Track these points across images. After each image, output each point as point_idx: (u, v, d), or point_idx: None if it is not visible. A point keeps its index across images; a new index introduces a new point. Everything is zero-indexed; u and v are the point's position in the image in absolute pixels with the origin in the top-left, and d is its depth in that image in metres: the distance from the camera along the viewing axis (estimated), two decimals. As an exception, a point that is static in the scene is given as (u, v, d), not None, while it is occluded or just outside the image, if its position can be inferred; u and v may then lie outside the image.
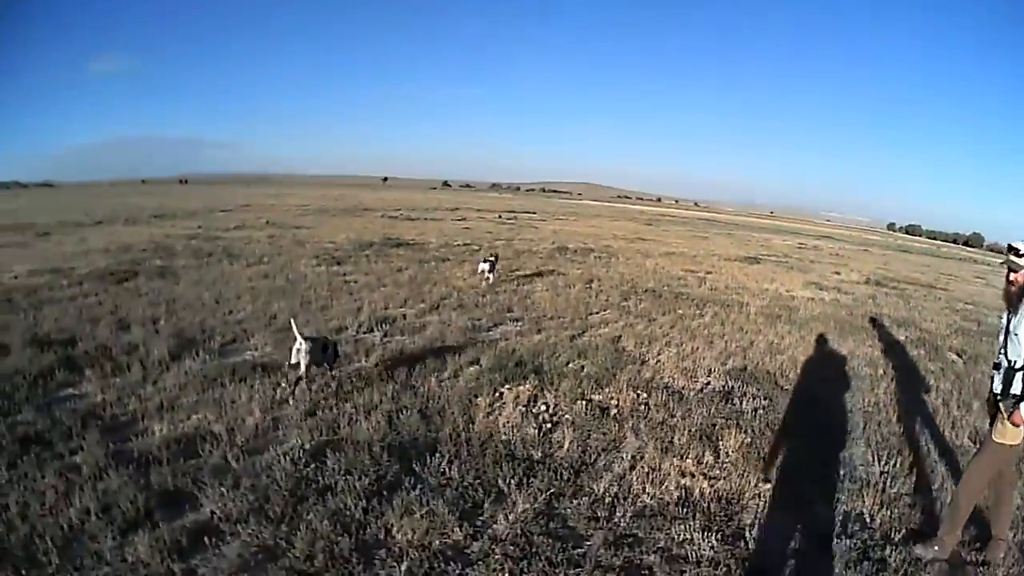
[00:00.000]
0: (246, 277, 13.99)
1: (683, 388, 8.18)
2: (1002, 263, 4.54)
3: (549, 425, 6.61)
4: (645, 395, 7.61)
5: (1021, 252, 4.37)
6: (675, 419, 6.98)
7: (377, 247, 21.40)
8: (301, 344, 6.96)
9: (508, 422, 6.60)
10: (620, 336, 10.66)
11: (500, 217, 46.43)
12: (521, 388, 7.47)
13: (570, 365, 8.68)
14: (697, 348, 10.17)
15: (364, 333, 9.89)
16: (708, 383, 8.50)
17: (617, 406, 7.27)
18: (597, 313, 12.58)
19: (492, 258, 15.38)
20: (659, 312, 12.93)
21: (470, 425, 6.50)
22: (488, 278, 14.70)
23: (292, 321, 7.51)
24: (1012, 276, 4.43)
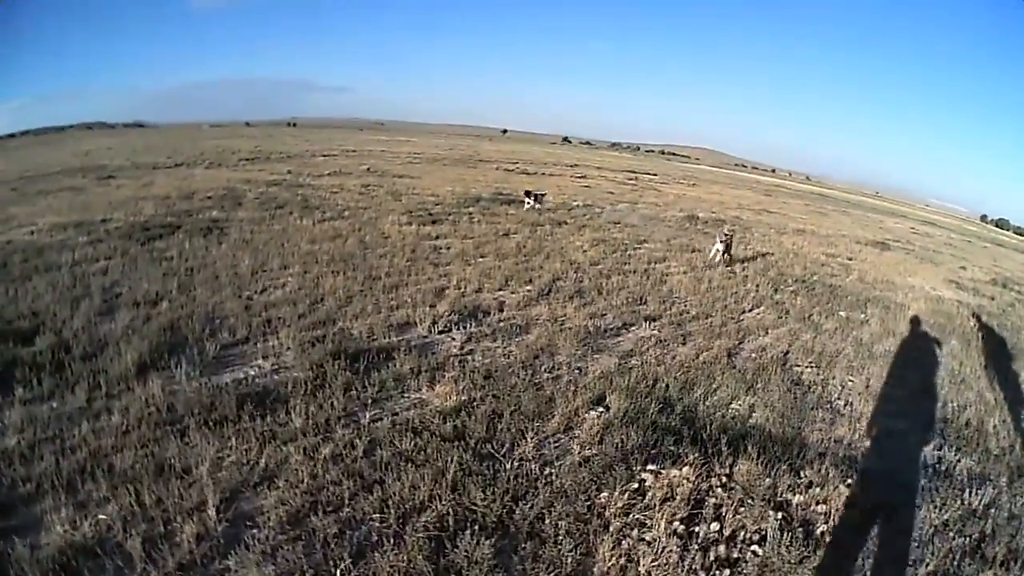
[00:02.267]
0: (310, 237, 11.37)
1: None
2: None
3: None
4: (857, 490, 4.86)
5: None
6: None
7: (485, 204, 18.32)
8: None
9: (658, 565, 3.71)
10: (788, 352, 8.11)
11: (621, 176, 42.91)
12: (675, 473, 4.60)
13: (734, 407, 6.17)
14: (889, 383, 7.57)
15: (439, 333, 7.24)
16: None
17: (827, 521, 4.41)
18: (750, 311, 9.91)
19: (728, 236, 13.52)
20: (820, 313, 10.27)
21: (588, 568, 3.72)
22: (724, 258, 13.07)
23: None
24: None
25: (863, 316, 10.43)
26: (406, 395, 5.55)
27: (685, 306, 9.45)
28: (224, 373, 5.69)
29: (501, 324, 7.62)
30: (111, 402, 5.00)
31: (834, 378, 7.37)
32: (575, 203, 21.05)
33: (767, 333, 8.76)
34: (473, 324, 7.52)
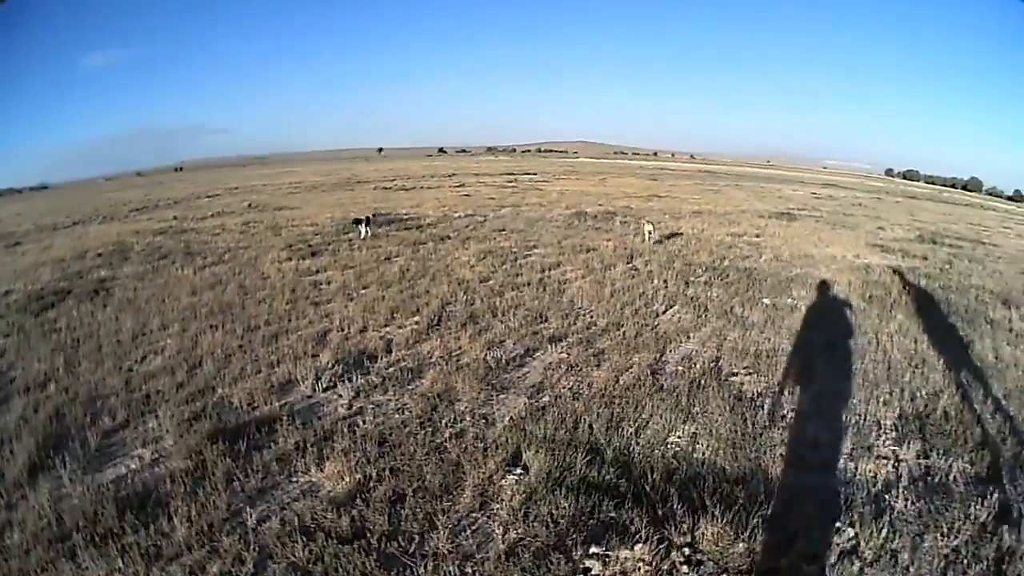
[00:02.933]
0: (191, 288, 10.93)
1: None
2: None
3: None
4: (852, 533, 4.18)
5: None
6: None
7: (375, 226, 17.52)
8: None
9: None
10: (718, 358, 7.38)
11: (500, 180, 41.62)
12: (626, 555, 3.84)
13: (674, 440, 5.37)
14: (839, 379, 6.82)
15: (324, 390, 6.49)
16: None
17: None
18: (664, 312, 9.30)
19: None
20: (742, 303, 9.74)
21: None
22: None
23: None
24: None
25: (790, 301, 9.96)
26: (294, 479, 4.87)
27: (591, 317, 8.86)
28: (107, 468, 5.10)
29: (391, 370, 6.95)
30: (10, 514, 4.52)
31: (778, 384, 6.62)
32: (456, 215, 20.71)
33: (689, 338, 8.11)
34: (360, 374, 6.79)
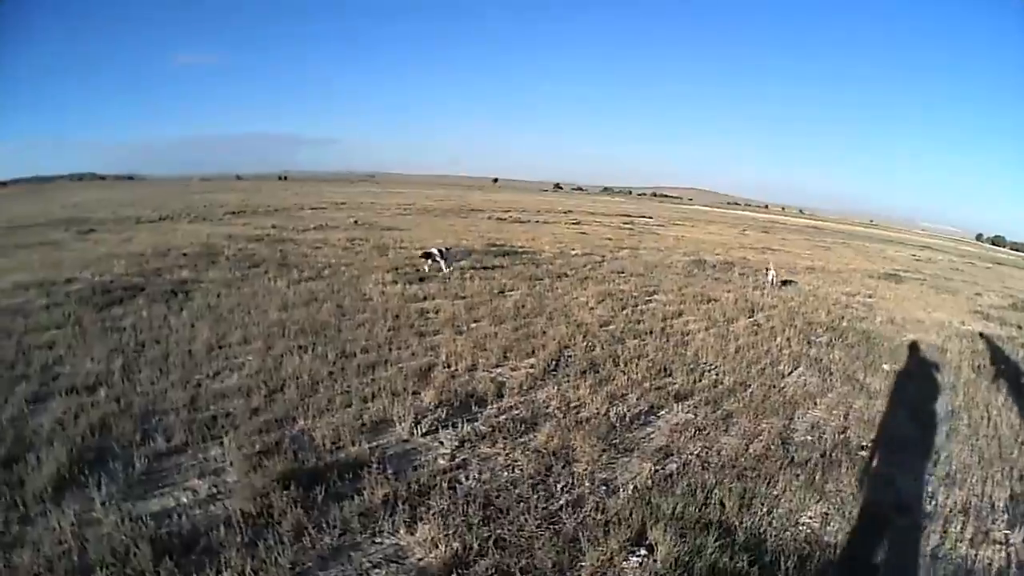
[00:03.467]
0: (282, 302, 10.13)
1: None
2: None
3: None
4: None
5: None
6: None
7: (477, 256, 17.21)
8: None
9: None
10: (846, 429, 6.72)
11: (616, 221, 41.78)
12: None
13: (805, 523, 4.76)
14: (971, 456, 6.37)
15: (424, 435, 5.69)
16: None
17: None
18: (790, 373, 8.56)
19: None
20: (863, 368, 9.04)
21: None
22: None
23: None
24: None
25: (908, 368, 9.21)
26: (377, 541, 4.06)
27: (717, 374, 8.07)
28: (151, 498, 4.41)
29: (501, 418, 6.10)
30: (24, 529, 3.98)
31: (905, 463, 6.02)
32: (573, 252, 19.83)
33: (816, 403, 7.41)
34: (466, 419, 5.94)
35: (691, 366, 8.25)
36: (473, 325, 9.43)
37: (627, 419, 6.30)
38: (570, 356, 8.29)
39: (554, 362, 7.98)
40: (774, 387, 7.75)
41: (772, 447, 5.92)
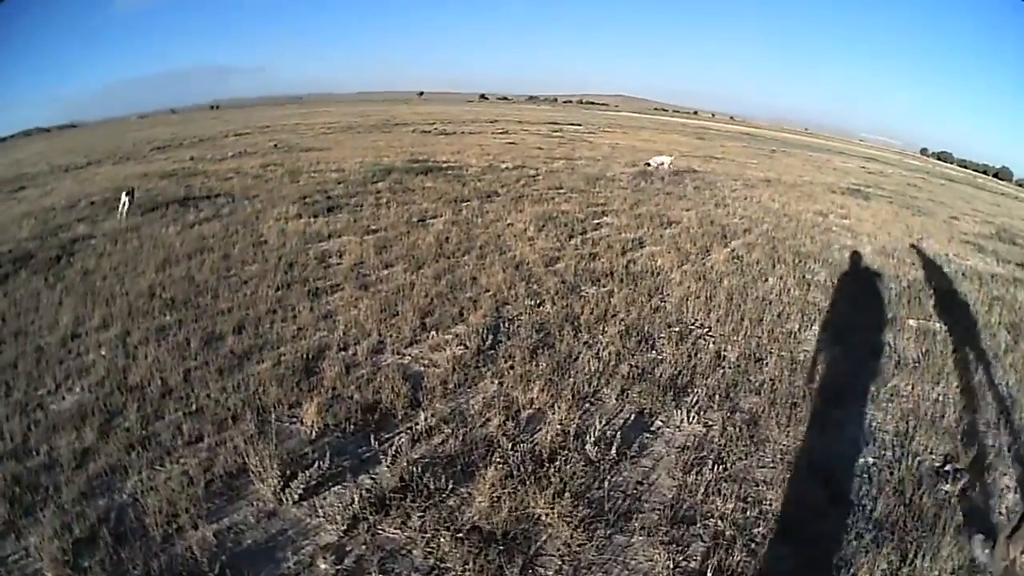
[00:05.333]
0: (164, 257, 8.19)
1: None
2: None
3: None
4: None
5: None
6: None
7: (397, 175, 14.96)
8: None
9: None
10: (908, 432, 4.55)
11: (544, 129, 38.78)
12: None
13: None
14: None
15: (297, 501, 3.55)
16: None
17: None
18: (804, 334, 6.31)
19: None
20: (892, 328, 6.70)
21: None
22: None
23: None
24: None
25: (937, 326, 6.83)
26: None
27: (714, 342, 5.91)
28: None
29: (418, 454, 3.95)
30: None
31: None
32: (503, 166, 17.53)
33: (866, 394, 5.13)
34: (362, 463, 3.87)
35: (677, 330, 6.13)
36: (384, 273, 7.49)
37: (606, 443, 4.08)
38: (512, 319, 6.20)
39: (490, 332, 5.86)
40: (795, 363, 5.55)
41: (832, 493, 3.79)
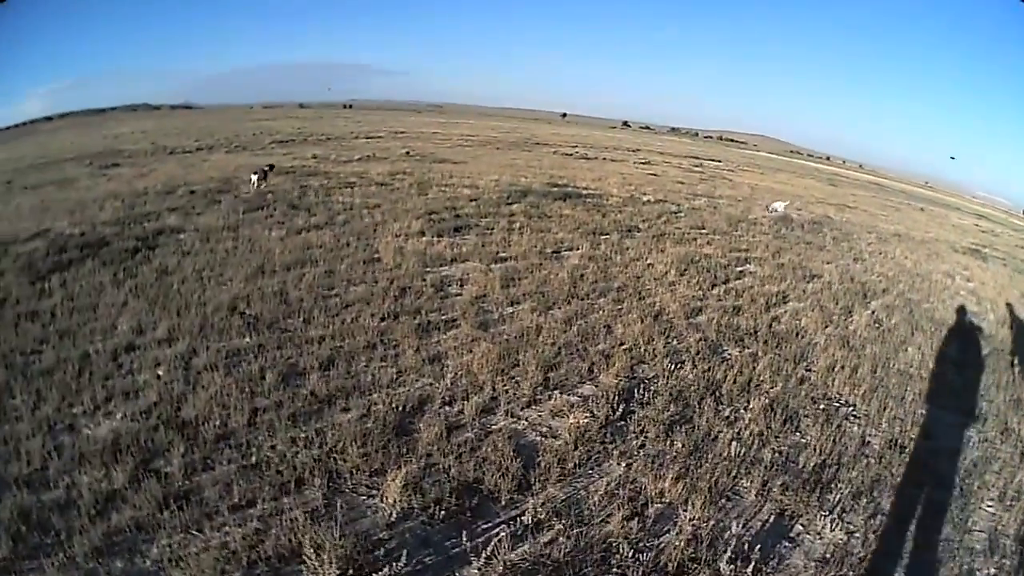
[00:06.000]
0: (258, 265, 7.44)
1: None
2: None
3: None
4: None
5: None
6: None
7: (534, 198, 13.80)
8: None
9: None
10: None
11: (686, 163, 37.27)
12: None
13: None
14: None
15: None
16: None
17: None
18: (995, 441, 5.43)
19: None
20: None
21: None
22: None
23: None
24: None
25: None
26: None
27: (859, 425, 5.19)
28: None
29: (519, 554, 3.24)
30: None
31: None
32: (645, 197, 16.53)
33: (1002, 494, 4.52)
34: (451, 555, 3.25)
35: (823, 407, 5.44)
36: (508, 311, 6.65)
37: (743, 557, 3.34)
38: (647, 380, 5.43)
39: (622, 397, 5.03)
40: (936, 452, 4.93)
41: None
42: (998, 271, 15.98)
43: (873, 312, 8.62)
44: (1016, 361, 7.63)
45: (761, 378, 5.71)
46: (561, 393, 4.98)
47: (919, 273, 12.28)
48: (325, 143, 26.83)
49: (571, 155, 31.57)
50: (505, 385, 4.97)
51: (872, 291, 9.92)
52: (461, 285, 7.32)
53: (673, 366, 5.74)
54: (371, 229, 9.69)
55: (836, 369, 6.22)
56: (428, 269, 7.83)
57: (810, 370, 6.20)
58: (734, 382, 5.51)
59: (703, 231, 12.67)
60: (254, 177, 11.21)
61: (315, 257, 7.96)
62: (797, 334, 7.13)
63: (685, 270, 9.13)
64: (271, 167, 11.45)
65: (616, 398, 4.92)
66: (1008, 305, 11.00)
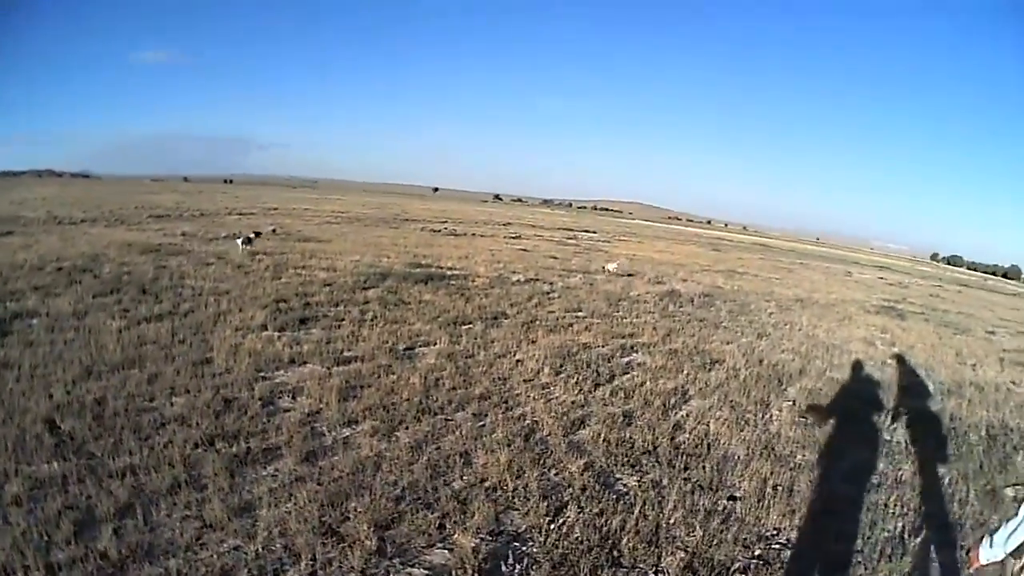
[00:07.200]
0: (91, 364, 6.18)
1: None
2: None
3: None
4: None
5: None
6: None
7: (393, 281, 12.60)
8: None
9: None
10: None
11: (558, 236, 37.23)
12: None
13: None
14: None
15: None
16: None
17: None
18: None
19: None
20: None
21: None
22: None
23: None
24: None
25: None
26: None
27: None
28: None
29: None
30: None
31: None
32: (514, 277, 15.36)
33: None
34: None
35: (757, 554, 3.99)
36: (344, 434, 5.10)
37: None
38: (518, 538, 3.88)
39: (483, 569, 3.55)
40: None
41: None
42: (921, 329, 15.57)
43: (794, 403, 7.28)
44: (976, 436, 6.75)
45: (672, 521, 4.23)
46: (403, 564, 3.55)
47: (834, 343, 11.39)
48: (198, 219, 26.99)
49: (439, 231, 31.22)
50: (329, 552, 3.54)
51: (787, 374, 8.57)
52: (294, 397, 5.85)
53: (552, 513, 4.17)
54: (212, 321, 8.39)
55: (768, 493, 4.78)
56: (261, 373, 6.42)
57: (735, 498, 4.73)
58: (636, 532, 4.02)
59: (580, 314, 11.46)
60: (239, 242, 11.29)
61: (146, 356, 6.63)
62: (708, 445, 5.67)
63: (561, 366, 7.70)
64: (257, 234, 10.58)
65: (476, 572, 3.53)
66: (943, 364, 10.44)
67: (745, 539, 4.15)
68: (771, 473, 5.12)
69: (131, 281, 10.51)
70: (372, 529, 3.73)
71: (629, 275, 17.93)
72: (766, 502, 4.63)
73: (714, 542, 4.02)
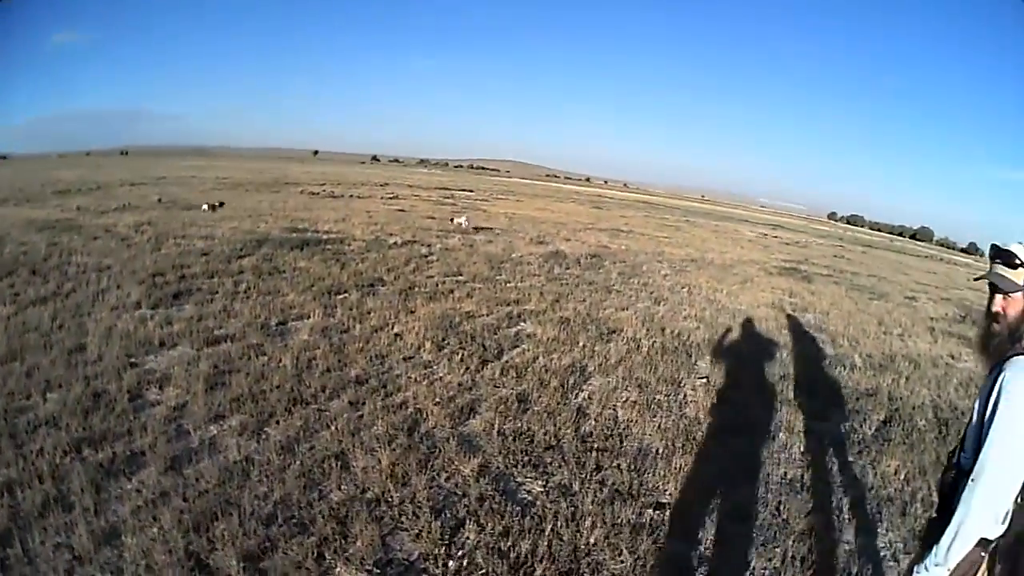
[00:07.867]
0: None
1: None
2: (980, 277, 2.11)
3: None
4: None
5: (1019, 260, 1.96)
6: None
7: (269, 248, 12.25)
8: None
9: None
10: None
11: (436, 195, 37.62)
12: None
13: None
14: None
15: None
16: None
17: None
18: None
19: None
20: None
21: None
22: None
23: None
24: (1000, 303, 2.02)
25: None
26: None
27: None
28: None
29: None
30: None
31: None
32: (391, 239, 14.93)
33: None
34: None
35: None
36: (210, 433, 4.51)
37: None
38: (404, 570, 3.28)
39: None
40: None
41: None
42: (833, 292, 15.16)
43: (707, 379, 6.75)
44: (923, 420, 6.15)
45: (591, 541, 3.61)
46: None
47: (740, 309, 11.04)
48: (93, 192, 26.09)
49: (318, 194, 31.06)
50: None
51: (694, 344, 8.13)
52: (161, 387, 5.21)
53: (447, 534, 3.56)
54: (91, 301, 7.81)
55: (698, 498, 4.20)
56: (132, 359, 5.83)
57: (661, 506, 4.09)
58: (551, 559, 3.41)
59: (460, 278, 11.02)
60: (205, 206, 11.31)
61: (23, 346, 5.99)
62: (620, 436, 5.07)
63: (444, 340, 7.21)
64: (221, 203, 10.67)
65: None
66: (864, 333, 10.16)
67: (683, 564, 3.60)
68: (697, 472, 4.58)
69: (25, 262, 9.85)
70: (241, 562, 3.13)
71: (476, 229, 18.39)
72: (698, 511, 4.09)
73: (647, 569, 3.46)
